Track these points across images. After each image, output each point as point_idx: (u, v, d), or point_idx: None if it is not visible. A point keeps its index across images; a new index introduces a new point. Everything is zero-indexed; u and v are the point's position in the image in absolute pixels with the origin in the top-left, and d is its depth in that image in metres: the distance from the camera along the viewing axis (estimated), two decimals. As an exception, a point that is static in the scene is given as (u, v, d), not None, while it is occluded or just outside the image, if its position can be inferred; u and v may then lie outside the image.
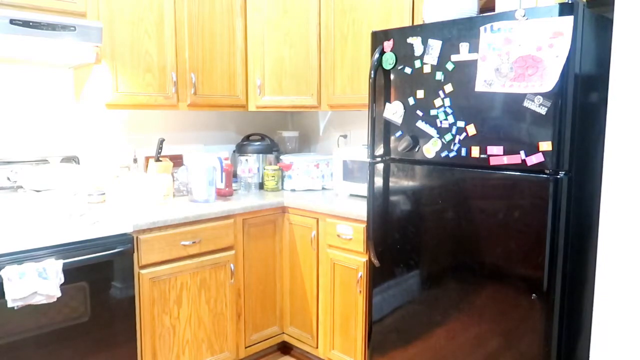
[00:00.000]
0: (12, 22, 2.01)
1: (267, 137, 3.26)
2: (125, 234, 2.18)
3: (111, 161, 2.82)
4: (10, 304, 1.83)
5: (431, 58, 1.96)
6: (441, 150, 1.97)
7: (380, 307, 2.28)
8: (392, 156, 2.17)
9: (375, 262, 2.25)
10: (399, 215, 2.15)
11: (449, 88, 1.92)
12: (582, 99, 1.72)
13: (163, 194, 2.69)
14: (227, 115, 3.37)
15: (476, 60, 1.82)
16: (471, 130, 1.87)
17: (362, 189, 2.70)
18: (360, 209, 2.43)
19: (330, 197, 2.82)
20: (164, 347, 2.38)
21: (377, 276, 2.28)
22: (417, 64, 2.02)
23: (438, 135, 1.98)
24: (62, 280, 1.94)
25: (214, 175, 2.71)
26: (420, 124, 2.03)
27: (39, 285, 1.87)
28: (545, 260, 1.72)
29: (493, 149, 1.82)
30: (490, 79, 1.79)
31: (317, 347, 2.73)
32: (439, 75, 1.94)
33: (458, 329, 1.97)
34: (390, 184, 2.17)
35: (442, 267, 2.00)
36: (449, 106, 1.93)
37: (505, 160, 1.80)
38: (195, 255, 2.44)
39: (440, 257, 2.00)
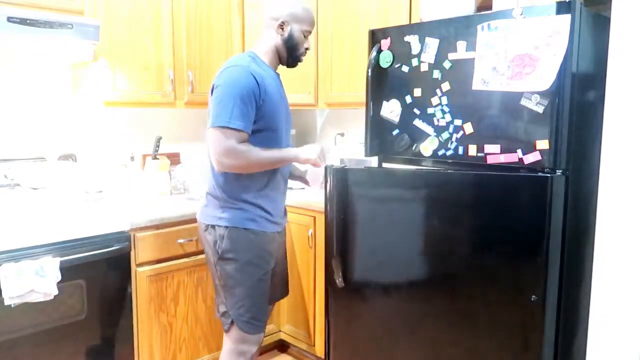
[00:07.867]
0: (9, 19, 2.01)
1: (264, 135, 3.25)
2: (122, 232, 2.18)
3: (109, 159, 2.82)
4: (7, 302, 1.83)
5: (428, 56, 1.96)
6: (438, 148, 1.97)
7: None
8: (389, 154, 2.17)
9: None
10: (396, 213, 2.15)
11: (446, 86, 1.92)
12: (579, 98, 1.72)
13: (160, 192, 2.70)
14: (225, 114, 3.36)
15: (473, 59, 1.82)
16: (468, 128, 1.87)
17: (360, 187, 2.70)
18: (358, 207, 2.42)
19: (328, 196, 2.82)
20: (161, 345, 2.38)
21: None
22: (415, 62, 2.02)
23: (435, 134, 1.98)
24: (59, 278, 1.94)
25: (211, 173, 2.70)
26: (418, 122, 2.03)
27: (36, 283, 1.87)
28: (543, 259, 1.71)
29: (490, 148, 1.82)
30: (488, 78, 1.79)
31: (313, 345, 2.73)
32: (436, 74, 1.94)
33: (455, 332, 1.97)
34: (388, 182, 2.17)
35: (438, 265, 2.00)
36: (446, 104, 1.93)
37: (502, 158, 1.80)
38: (192, 253, 2.44)
39: (437, 256, 2.00)
